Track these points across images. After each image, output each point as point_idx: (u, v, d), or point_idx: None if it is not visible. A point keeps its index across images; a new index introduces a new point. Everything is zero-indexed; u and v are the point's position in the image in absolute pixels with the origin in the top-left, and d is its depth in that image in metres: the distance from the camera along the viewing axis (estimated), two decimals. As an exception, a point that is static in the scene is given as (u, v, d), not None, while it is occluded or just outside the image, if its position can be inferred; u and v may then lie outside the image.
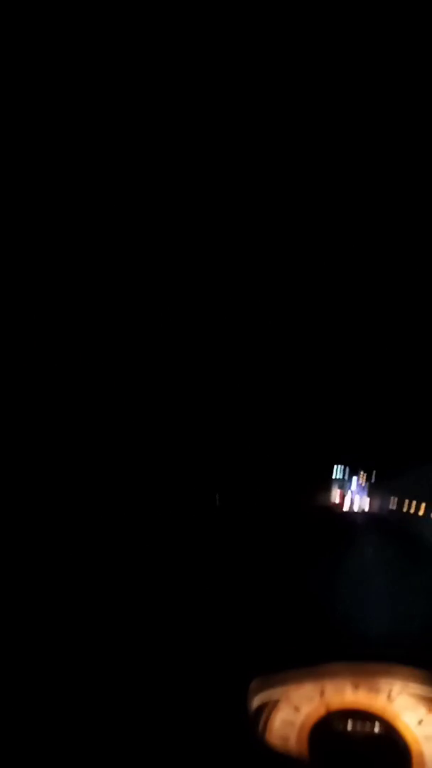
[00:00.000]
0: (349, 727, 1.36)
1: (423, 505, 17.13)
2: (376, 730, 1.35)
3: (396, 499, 24.01)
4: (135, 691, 1.47)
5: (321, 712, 1.38)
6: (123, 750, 1.31)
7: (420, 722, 1.36)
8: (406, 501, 20.02)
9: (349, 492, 43.17)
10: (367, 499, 39.81)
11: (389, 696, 1.43)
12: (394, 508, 25.07)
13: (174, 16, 3.97)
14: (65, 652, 1.91)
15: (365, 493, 41.34)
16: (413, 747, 1.31)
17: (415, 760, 1.26)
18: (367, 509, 37.29)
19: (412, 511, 19.59)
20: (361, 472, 42.52)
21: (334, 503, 39.06)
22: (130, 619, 2.29)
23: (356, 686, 1.45)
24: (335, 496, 42.51)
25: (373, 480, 40.10)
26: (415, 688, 1.45)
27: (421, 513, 17.13)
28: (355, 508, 38.34)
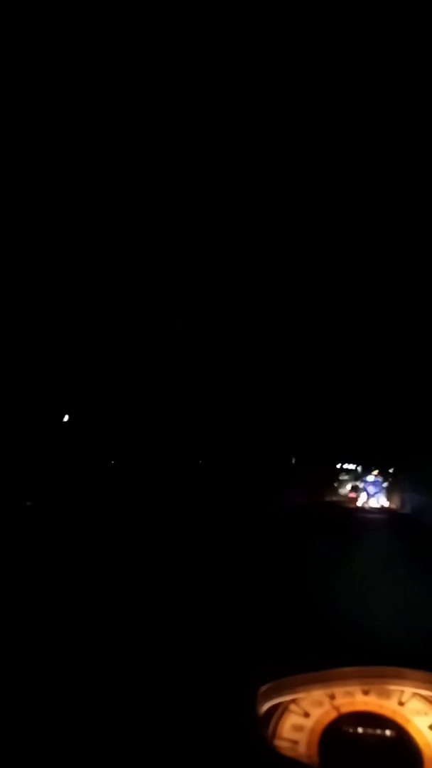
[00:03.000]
0: (360, 731, 1.35)
1: (437, 502, 16.93)
2: (388, 734, 1.34)
3: (411, 495, 23.73)
4: (141, 697, 1.47)
5: (331, 716, 1.37)
6: (129, 755, 1.31)
7: (424, 730, 1.34)
8: (420, 498, 19.87)
9: (363, 487, 42.47)
10: (382, 496, 39.11)
11: (400, 700, 1.42)
12: (408, 505, 24.81)
13: (174, 16, 3.96)
14: (69, 655, 1.92)
15: (380, 488, 40.53)
16: (425, 751, 1.29)
17: (427, 764, 1.24)
18: (380, 506, 36.70)
19: (424, 508, 19.42)
20: (376, 467, 41.60)
21: (347, 499, 38.56)
22: (136, 622, 2.30)
23: (366, 691, 1.44)
24: (348, 491, 41.98)
25: (389, 475, 39.32)
26: (427, 691, 1.43)
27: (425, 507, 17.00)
28: (369, 505, 37.89)
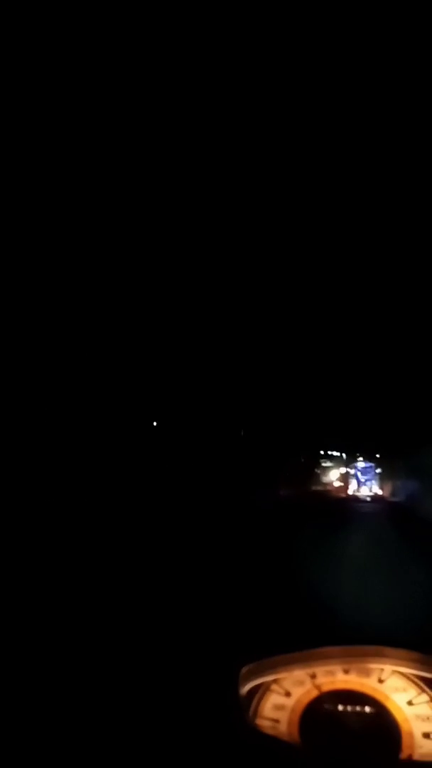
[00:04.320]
0: (340, 708, 1.37)
1: (423, 487, 17.14)
2: (367, 710, 1.36)
3: (404, 482, 23.45)
4: (123, 678, 1.48)
5: (312, 695, 1.39)
6: (110, 736, 1.32)
7: (410, 702, 1.36)
8: (415, 484, 19.84)
9: (354, 474, 41.80)
10: (375, 483, 38.47)
11: (379, 678, 1.44)
12: (402, 492, 24.57)
13: (174, 17, 3.89)
14: (57, 636, 1.93)
15: (372, 475, 39.73)
16: (403, 726, 1.32)
17: (404, 739, 1.27)
18: (373, 494, 36.07)
19: (412, 493, 19.56)
20: (363, 452, 40.81)
21: (335, 488, 37.62)
22: (119, 606, 2.31)
23: (347, 670, 1.46)
24: (334, 479, 40.90)
25: (378, 461, 38.60)
26: (406, 669, 1.46)
27: (421, 495, 17.15)
28: (360, 493, 37.30)
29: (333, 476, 41.02)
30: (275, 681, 1.42)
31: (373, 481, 38.75)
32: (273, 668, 1.44)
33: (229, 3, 4.91)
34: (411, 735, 1.28)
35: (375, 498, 31.03)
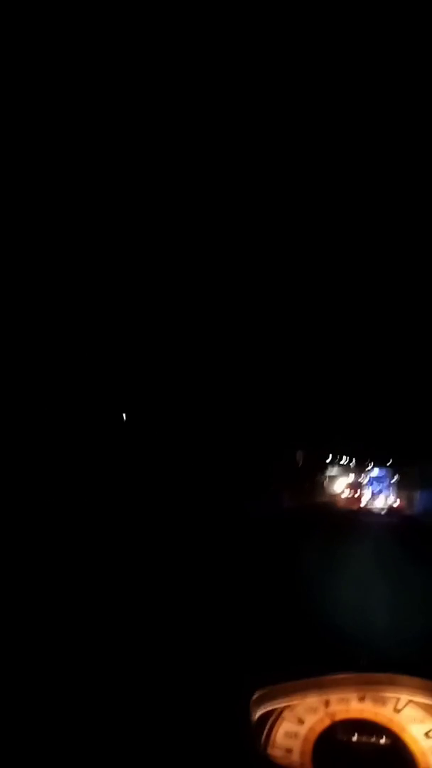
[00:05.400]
0: (354, 738, 1.33)
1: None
2: (382, 741, 1.32)
3: (422, 493, 22.37)
4: (134, 703, 1.45)
5: (325, 723, 1.35)
6: (123, 760, 1.29)
7: (427, 734, 1.32)
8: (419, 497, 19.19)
9: (361, 485, 39.13)
10: (391, 494, 35.35)
11: (395, 707, 1.40)
12: (419, 504, 23.29)
13: (175, 17, 3.92)
14: (70, 659, 1.91)
15: (387, 485, 36.61)
16: (420, 759, 1.28)
17: None
18: (388, 506, 33.16)
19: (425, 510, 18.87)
20: (374, 462, 38.07)
21: (344, 500, 35.07)
22: (129, 628, 2.28)
23: (362, 697, 1.42)
24: (344, 489, 38.26)
25: (391, 472, 35.80)
26: (423, 699, 1.42)
27: None
28: (374, 505, 34.49)
29: (341, 484, 38.01)
30: (288, 707, 1.39)
31: (390, 491, 35.43)
32: (286, 694, 1.40)
33: (229, 3, 4.94)
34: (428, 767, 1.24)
35: (391, 512, 27.85)
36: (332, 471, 37.92)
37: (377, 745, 1.31)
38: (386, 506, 32.03)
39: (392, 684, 1.43)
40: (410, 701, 1.40)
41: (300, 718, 1.36)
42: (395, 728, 1.34)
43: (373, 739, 1.32)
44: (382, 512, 27.47)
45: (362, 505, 35.00)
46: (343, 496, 36.16)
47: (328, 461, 35.79)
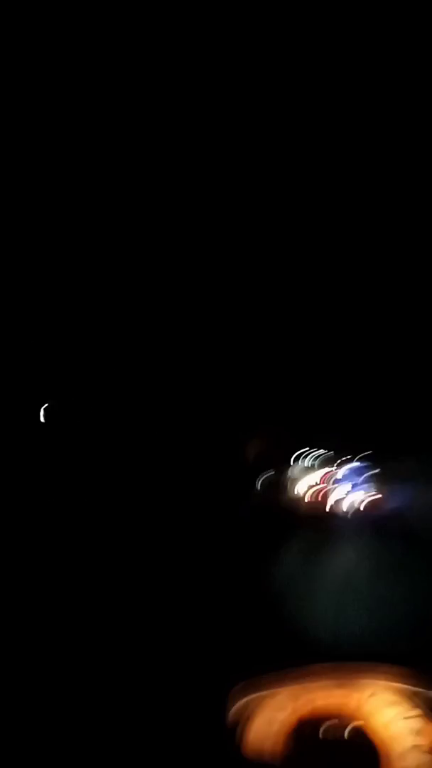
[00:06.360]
0: (324, 727, 1.41)
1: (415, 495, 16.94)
2: (347, 734, 1.40)
3: (387, 488, 22.81)
4: (113, 702, 1.50)
5: (293, 719, 1.43)
6: (105, 747, 1.35)
7: (390, 722, 1.41)
8: (413, 491, 19.29)
9: (340, 479, 39.03)
10: (369, 489, 35.23)
11: (363, 698, 1.49)
12: (395, 500, 23.49)
13: (175, 17, 3.94)
14: (54, 650, 1.95)
15: (364, 480, 36.67)
16: (388, 743, 1.36)
17: (382, 760, 1.31)
18: (365, 503, 33.19)
19: (402, 502, 19.18)
20: (351, 455, 37.92)
21: (307, 504, 34.42)
22: (111, 628, 2.32)
23: (330, 689, 1.51)
24: (319, 482, 37.74)
25: (362, 465, 36.01)
26: (397, 684, 1.50)
27: (413, 504, 16.85)
28: (347, 504, 34.33)
29: (305, 482, 37.23)
30: (260, 705, 1.46)
31: (366, 487, 35.67)
32: (264, 687, 1.48)
33: (229, 3, 4.98)
34: (389, 756, 1.32)
35: (353, 503, 27.79)
36: (308, 463, 37.72)
37: (342, 737, 1.40)
38: (363, 499, 32.29)
39: (367, 672, 1.52)
40: (385, 687, 1.49)
41: (271, 716, 1.44)
42: (364, 715, 1.43)
43: (339, 732, 1.41)
44: (359, 506, 27.77)
45: (338, 498, 35.08)
46: (319, 489, 36.06)
47: (304, 454, 35.47)
